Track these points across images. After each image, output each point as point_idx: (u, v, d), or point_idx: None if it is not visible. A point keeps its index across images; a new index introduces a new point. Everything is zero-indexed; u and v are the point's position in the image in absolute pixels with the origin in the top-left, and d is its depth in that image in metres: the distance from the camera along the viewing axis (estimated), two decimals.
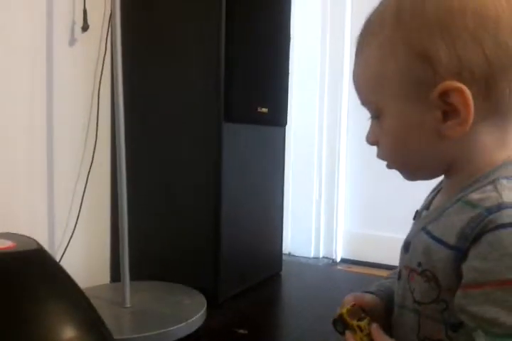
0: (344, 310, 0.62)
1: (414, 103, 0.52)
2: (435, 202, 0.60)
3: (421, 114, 0.52)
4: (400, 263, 0.60)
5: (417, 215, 0.63)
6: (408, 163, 0.57)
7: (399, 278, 0.60)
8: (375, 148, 0.60)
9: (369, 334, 0.59)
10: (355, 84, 0.58)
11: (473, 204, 0.49)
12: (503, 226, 0.45)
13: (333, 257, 2.02)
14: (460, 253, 0.48)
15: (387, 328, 0.61)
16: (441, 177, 0.60)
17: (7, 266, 0.76)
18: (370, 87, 0.55)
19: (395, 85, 0.52)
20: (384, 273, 1.70)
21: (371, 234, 1.96)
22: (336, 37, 1.99)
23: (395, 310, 0.60)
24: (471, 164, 0.53)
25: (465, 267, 0.48)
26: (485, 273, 0.46)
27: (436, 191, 0.62)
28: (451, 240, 0.49)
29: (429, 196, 0.63)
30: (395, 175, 0.60)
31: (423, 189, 0.65)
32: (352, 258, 2.01)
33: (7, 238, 0.83)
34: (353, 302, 0.64)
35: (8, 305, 0.71)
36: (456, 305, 0.49)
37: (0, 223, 0.94)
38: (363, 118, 0.61)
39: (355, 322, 0.60)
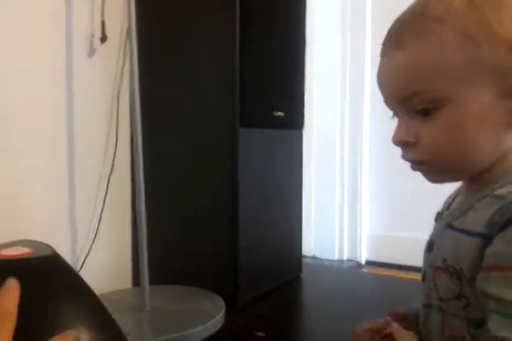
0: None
1: (491, 91, 0.50)
2: (455, 203, 0.60)
3: (497, 102, 0.50)
4: (424, 263, 0.60)
5: (439, 216, 0.63)
6: (456, 161, 0.53)
7: (423, 279, 0.61)
8: (398, 150, 0.56)
9: None
10: (401, 76, 0.53)
11: (502, 197, 0.50)
12: None
13: (358, 259, 2.00)
14: (487, 239, 0.48)
15: None
16: (458, 183, 0.60)
17: (21, 272, 0.79)
18: (436, 73, 0.51)
19: (473, 72, 0.50)
20: (411, 275, 1.68)
21: (396, 236, 1.93)
22: (357, 38, 1.98)
23: (422, 313, 0.61)
24: (507, 160, 0.53)
25: (488, 250, 0.48)
26: (507, 256, 0.46)
27: (455, 194, 0.62)
28: (479, 229, 0.50)
29: (448, 199, 0.64)
30: (418, 176, 0.59)
31: (446, 190, 0.65)
32: (377, 260, 1.98)
33: (25, 245, 0.87)
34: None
35: (20, 308, 0.73)
36: (477, 287, 0.49)
37: (22, 231, 0.97)
38: (386, 119, 0.59)
39: None
